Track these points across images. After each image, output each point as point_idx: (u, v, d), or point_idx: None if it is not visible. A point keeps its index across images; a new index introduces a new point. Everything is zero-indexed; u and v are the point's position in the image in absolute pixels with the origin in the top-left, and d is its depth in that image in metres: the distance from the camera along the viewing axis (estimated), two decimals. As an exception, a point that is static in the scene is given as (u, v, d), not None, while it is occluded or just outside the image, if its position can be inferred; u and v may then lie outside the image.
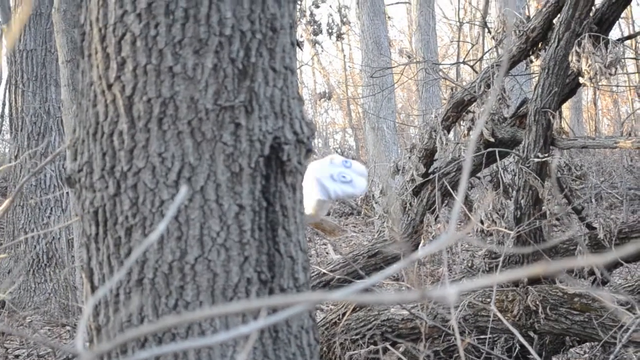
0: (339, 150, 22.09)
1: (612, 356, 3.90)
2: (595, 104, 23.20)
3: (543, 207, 5.07)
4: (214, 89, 2.04)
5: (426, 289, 0.78)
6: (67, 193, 8.75)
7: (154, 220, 2.05)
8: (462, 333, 4.47)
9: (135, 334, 0.90)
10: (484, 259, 5.46)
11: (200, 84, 2.04)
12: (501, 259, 4.99)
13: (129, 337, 0.89)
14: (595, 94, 21.16)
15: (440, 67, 14.34)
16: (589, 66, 4.59)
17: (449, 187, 5.47)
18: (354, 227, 14.02)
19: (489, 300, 4.48)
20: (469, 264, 5.57)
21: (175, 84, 2.03)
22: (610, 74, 4.66)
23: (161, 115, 2.04)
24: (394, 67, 13.65)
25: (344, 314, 5.00)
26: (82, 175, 2.15)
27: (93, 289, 2.19)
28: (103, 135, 2.09)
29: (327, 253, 10.96)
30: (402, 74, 13.90)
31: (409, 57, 12.11)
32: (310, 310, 2.27)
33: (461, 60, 10.24)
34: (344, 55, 29.24)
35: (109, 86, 2.07)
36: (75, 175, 2.17)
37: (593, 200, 13.15)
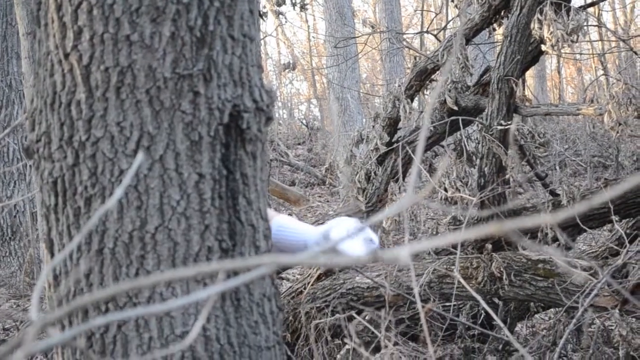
0: (304, 121, 22.05)
1: (574, 320, 3.93)
2: (559, 72, 23.27)
3: (507, 175, 5.09)
4: (172, 57, 2.03)
5: (378, 251, 0.78)
6: (31, 166, 8.69)
7: (113, 189, 2.04)
8: (427, 300, 4.49)
9: (90, 298, 0.90)
10: (448, 226, 5.48)
11: (158, 53, 2.02)
12: (464, 225, 5.01)
13: (84, 302, 0.88)
14: (559, 62, 21.22)
15: (404, 36, 14.32)
16: (550, 33, 4.60)
17: (412, 156, 5.47)
18: (319, 197, 14.03)
19: (453, 267, 4.50)
20: (434, 232, 5.59)
21: (133, 52, 2.02)
22: (573, 41, 4.67)
23: (119, 85, 2.02)
24: (358, 36, 13.61)
25: (309, 283, 5.00)
26: (40, 145, 2.14)
27: (53, 259, 2.18)
28: (61, 105, 2.08)
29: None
30: (365, 44, 13.88)
31: (373, 27, 12.09)
32: (273, 278, 2.27)
33: (425, 29, 10.23)
34: (308, 26, 29.11)
35: (66, 55, 2.06)
36: (34, 146, 2.16)
37: (557, 167, 13.22)
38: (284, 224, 2.70)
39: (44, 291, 2.41)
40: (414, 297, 4.41)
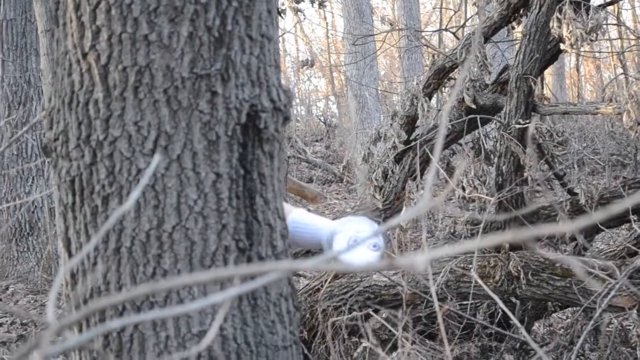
0: (322, 118, 22.04)
1: (592, 321, 3.92)
2: (577, 69, 23.16)
3: (524, 174, 5.07)
4: (190, 57, 2.03)
5: (395, 257, 0.78)
6: (49, 162, 8.70)
7: (130, 189, 2.05)
8: (444, 299, 4.48)
9: (108, 301, 0.90)
10: (465, 225, 5.47)
11: (176, 52, 2.03)
12: (482, 225, 5.00)
13: (101, 305, 0.88)
14: (578, 60, 21.13)
15: (423, 34, 14.30)
16: (570, 32, 4.58)
17: (430, 154, 5.46)
18: (337, 194, 14.02)
19: (470, 266, 4.49)
20: (451, 231, 5.58)
21: (151, 52, 2.02)
22: (592, 40, 4.65)
23: (137, 84, 2.03)
24: (376, 34, 13.60)
25: (326, 281, 5.00)
26: (58, 144, 2.14)
27: (71, 257, 2.18)
28: (78, 105, 2.08)
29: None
30: (384, 42, 13.86)
31: (391, 24, 12.07)
32: (289, 278, 2.27)
33: (443, 27, 10.19)
34: (327, 23, 29.12)
35: (84, 55, 2.06)
36: (52, 145, 2.17)
37: (575, 166, 13.17)
38: (299, 218, 2.70)
39: (62, 289, 2.41)
40: (431, 296, 4.41)
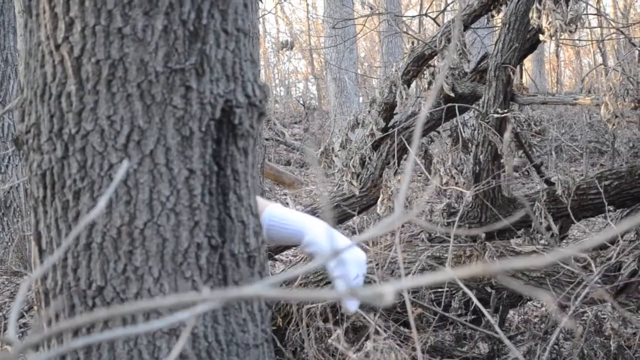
0: (301, 100, 22.00)
1: (569, 313, 3.92)
2: (557, 55, 23.24)
3: (502, 162, 5.08)
4: (164, 51, 2.00)
5: (357, 289, 0.76)
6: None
7: (102, 184, 2.02)
8: (419, 289, 4.49)
9: (70, 324, 0.87)
10: (442, 212, 5.47)
11: (150, 46, 2.00)
12: (459, 214, 5.01)
13: (64, 327, 0.86)
14: (557, 45, 21.18)
15: (403, 19, 14.27)
16: (549, 23, 4.57)
17: (406, 143, 5.46)
18: (314, 177, 13.99)
19: (446, 255, 4.50)
20: (428, 218, 5.58)
21: (125, 45, 1.99)
22: (571, 31, 4.64)
23: (110, 77, 1.99)
24: (356, 18, 13.56)
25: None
26: (29, 136, 2.11)
27: (41, 252, 2.16)
28: (51, 97, 2.05)
29: (286, 204, 10.93)
30: (364, 25, 13.84)
31: (371, 8, 12.04)
32: (262, 275, 2.25)
33: (423, 12, 10.17)
34: (307, 5, 29.05)
35: (57, 47, 2.03)
36: (23, 137, 2.14)
37: (553, 153, 13.20)
38: (276, 214, 2.66)
39: (31, 284, 2.39)
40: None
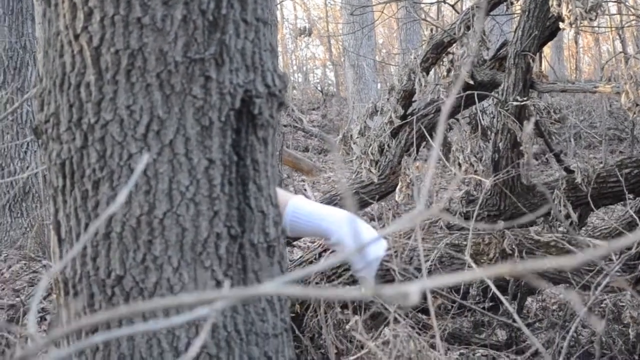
0: (319, 87, 21.97)
1: (589, 303, 3.91)
2: (576, 42, 23.13)
3: (521, 150, 5.05)
4: (183, 41, 2.00)
5: (380, 287, 0.75)
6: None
7: (121, 173, 2.02)
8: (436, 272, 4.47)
9: (89, 320, 0.87)
10: (460, 201, 5.45)
11: (169, 36, 1.99)
12: (479, 202, 4.99)
13: (83, 324, 0.86)
14: (577, 33, 21.11)
15: (422, 5, 14.22)
16: (569, 11, 4.54)
17: (424, 131, 5.44)
18: (333, 164, 13.97)
19: (465, 243, 4.48)
20: (447, 207, 5.56)
21: (144, 35, 1.99)
22: (591, 19, 4.61)
23: (129, 67, 1.99)
24: (374, 4, 13.52)
25: (320, 254, 4.98)
26: (49, 126, 2.11)
27: (60, 241, 2.16)
28: (70, 87, 2.05)
29: (304, 190, 10.93)
30: (382, 12, 13.80)
31: (390, -6, 11.99)
32: (281, 265, 2.25)
33: (442, -2, 10.14)
34: (325, -10, 28.98)
35: (76, 37, 2.03)
36: (42, 126, 2.14)
37: (572, 139, 13.14)
38: (300, 207, 2.63)
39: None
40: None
